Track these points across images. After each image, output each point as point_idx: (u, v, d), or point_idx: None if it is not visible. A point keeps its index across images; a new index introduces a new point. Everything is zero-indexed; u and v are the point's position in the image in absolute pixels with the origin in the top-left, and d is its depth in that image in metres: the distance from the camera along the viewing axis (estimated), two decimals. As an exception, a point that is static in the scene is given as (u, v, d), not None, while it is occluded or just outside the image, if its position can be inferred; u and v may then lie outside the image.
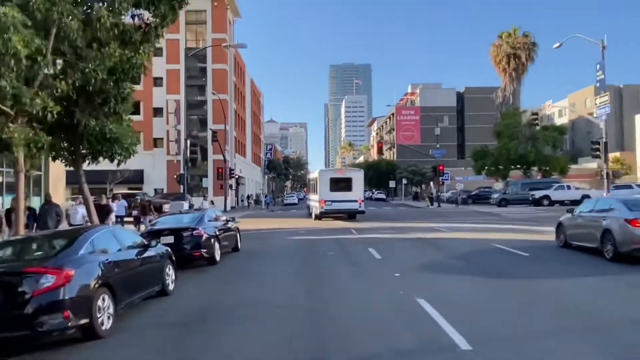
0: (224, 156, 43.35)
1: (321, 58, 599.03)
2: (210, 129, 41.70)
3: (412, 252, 14.20)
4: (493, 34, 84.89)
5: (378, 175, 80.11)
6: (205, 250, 12.04)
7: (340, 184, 26.65)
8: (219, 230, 13.30)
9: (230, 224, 14.83)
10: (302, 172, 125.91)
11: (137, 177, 46.98)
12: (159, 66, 48.74)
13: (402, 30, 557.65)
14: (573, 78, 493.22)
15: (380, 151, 45.99)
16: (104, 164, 14.25)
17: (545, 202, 36.91)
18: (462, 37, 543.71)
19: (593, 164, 47.64)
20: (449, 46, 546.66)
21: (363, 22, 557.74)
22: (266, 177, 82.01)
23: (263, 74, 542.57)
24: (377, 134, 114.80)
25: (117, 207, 19.06)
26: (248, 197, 53.84)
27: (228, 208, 46.41)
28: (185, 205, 24.74)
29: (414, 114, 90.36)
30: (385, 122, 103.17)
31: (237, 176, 55.08)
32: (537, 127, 42.19)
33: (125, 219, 20.92)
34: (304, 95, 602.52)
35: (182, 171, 31.39)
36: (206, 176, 48.18)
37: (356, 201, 26.52)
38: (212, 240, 12.48)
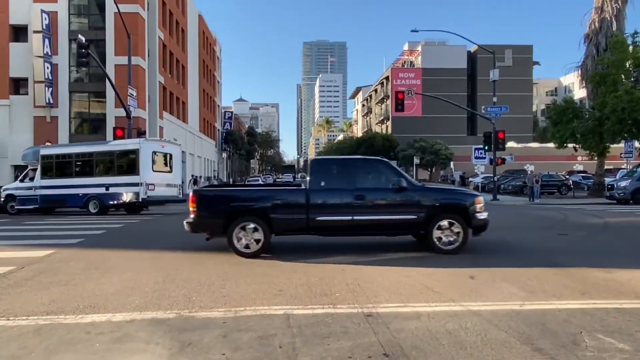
0: (124, 107, 23.55)
1: (294, 35, 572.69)
2: (77, 39, 21.80)
3: None
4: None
5: (373, 155, 61.29)
6: None
7: (164, 161, 20.08)
8: None
9: None
10: (272, 150, 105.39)
11: (-23, 145, 26.71)
12: (18, -49, 28.14)
13: (378, 8, 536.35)
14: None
15: (400, 104, 26.91)
16: None
17: None
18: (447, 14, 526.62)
19: None
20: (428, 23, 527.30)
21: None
22: (224, 154, 62.01)
23: (233, 52, 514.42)
24: (363, 105, 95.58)
25: None
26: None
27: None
28: None
29: (414, 77, 71.58)
30: (375, 90, 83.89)
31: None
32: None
33: None
34: (276, 76, 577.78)
35: None
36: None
37: (176, 186, 20.70)
38: None
